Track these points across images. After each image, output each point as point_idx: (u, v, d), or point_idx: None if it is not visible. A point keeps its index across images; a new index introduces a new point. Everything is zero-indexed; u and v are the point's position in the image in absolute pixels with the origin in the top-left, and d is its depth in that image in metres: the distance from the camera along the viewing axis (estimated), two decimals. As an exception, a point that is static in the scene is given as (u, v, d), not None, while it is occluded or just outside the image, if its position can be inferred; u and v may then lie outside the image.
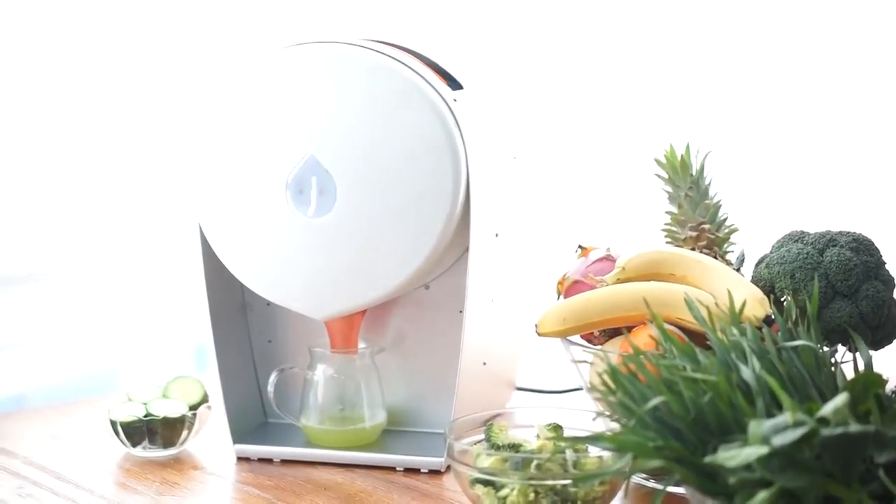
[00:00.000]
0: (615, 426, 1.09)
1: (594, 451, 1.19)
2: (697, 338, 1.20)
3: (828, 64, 2.44)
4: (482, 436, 1.24)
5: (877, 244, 1.32)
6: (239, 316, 1.46)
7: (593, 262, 1.38)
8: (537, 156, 1.52)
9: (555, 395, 1.62)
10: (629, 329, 1.28)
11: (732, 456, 0.92)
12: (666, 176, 1.42)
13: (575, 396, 1.60)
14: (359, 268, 1.31)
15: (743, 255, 1.40)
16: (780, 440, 0.91)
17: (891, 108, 2.41)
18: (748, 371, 1.03)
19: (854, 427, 0.91)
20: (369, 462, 1.37)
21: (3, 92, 2.41)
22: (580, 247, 1.43)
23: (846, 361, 1.15)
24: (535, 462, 1.15)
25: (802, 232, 1.33)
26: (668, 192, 1.42)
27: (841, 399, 0.94)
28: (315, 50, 1.31)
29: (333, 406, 1.40)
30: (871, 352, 1.20)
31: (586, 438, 1.04)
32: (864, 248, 1.30)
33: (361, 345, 1.41)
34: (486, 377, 1.44)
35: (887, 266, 1.32)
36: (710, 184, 1.41)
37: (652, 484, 1.28)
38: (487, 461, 1.17)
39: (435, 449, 1.37)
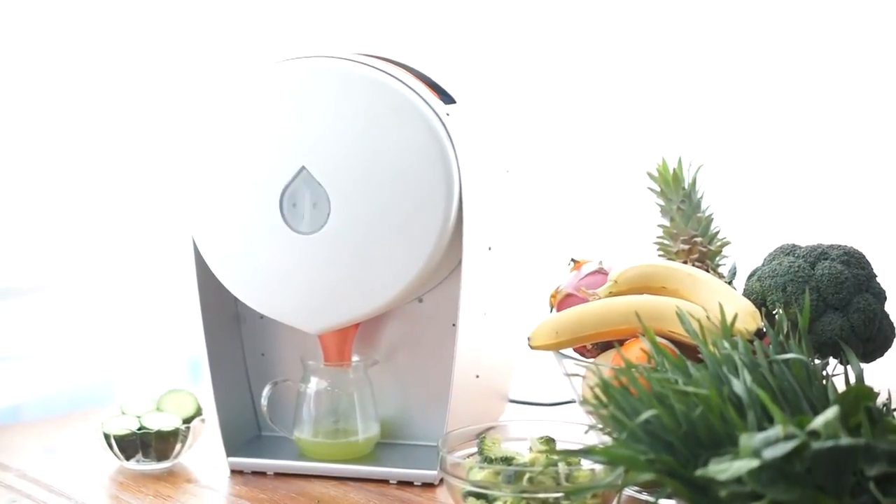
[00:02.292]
0: (607, 439, 1.10)
1: (586, 464, 1.20)
2: (689, 351, 1.21)
3: (818, 78, 2.45)
4: (475, 449, 1.25)
5: (868, 257, 1.33)
6: (232, 329, 1.46)
7: (586, 276, 1.39)
8: (530, 169, 1.52)
9: (547, 408, 1.62)
10: (621, 342, 1.28)
11: (723, 469, 0.93)
12: (658, 189, 1.42)
13: (567, 409, 1.60)
14: (352, 281, 1.32)
15: (734, 268, 1.41)
16: (770, 453, 0.91)
17: (882, 121, 2.42)
18: (739, 384, 1.04)
19: (845, 440, 0.91)
20: (363, 475, 1.37)
21: (1, 105, 2.41)
22: (573, 260, 1.44)
23: (837, 374, 1.15)
24: (527, 475, 1.15)
25: (794, 245, 1.34)
26: (660, 206, 1.42)
27: (832, 412, 0.94)
28: (308, 64, 1.32)
29: (327, 419, 1.40)
30: (862, 365, 1.21)
31: (579, 451, 1.04)
32: (855, 262, 1.30)
33: (355, 358, 1.42)
34: (479, 390, 1.44)
35: (878, 279, 1.32)
36: (702, 197, 1.42)
37: (644, 497, 1.28)
38: (480, 474, 1.17)
39: (428, 462, 1.37)
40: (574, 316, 1.31)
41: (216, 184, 1.34)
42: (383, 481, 1.37)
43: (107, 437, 1.39)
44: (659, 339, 1.17)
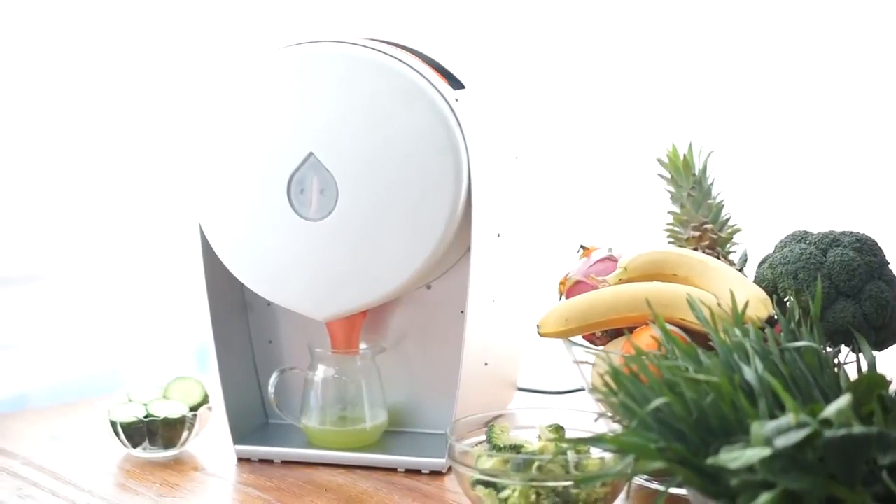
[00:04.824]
0: (617, 427, 1.09)
1: (596, 452, 1.19)
2: (700, 338, 1.20)
3: (830, 63, 2.44)
4: (483, 437, 1.24)
5: (880, 244, 1.32)
6: (239, 316, 1.45)
7: (595, 263, 1.38)
8: (539, 155, 1.51)
9: (557, 396, 1.61)
10: (631, 330, 1.27)
11: (735, 457, 0.92)
12: (668, 176, 1.41)
13: (577, 397, 1.59)
14: (360, 268, 1.31)
15: (745, 255, 1.40)
16: (782, 442, 0.91)
17: (893, 107, 2.41)
18: (751, 372, 1.03)
19: (857, 428, 0.91)
20: (370, 463, 1.37)
21: (3, 92, 2.41)
22: (582, 247, 1.43)
23: (849, 362, 1.14)
24: (536, 463, 1.15)
25: (805, 232, 1.33)
26: (670, 192, 1.42)
27: (844, 400, 0.93)
28: (316, 49, 1.31)
29: (334, 407, 1.39)
30: (875, 352, 1.20)
31: (588, 440, 1.03)
32: (867, 249, 1.30)
33: (362, 345, 1.41)
34: (487, 378, 1.44)
35: (891, 266, 1.31)
36: (712, 183, 1.41)
37: (654, 485, 1.28)
38: (489, 462, 1.17)
39: (436, 450, 1.36)
40: (584, 303, 1.30)
41: (223, 171, 1.34)
42: (391, 469, 1.36)
43: (113, 424, 1.38)
44: (669, 327, 1.16)
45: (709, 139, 1.47)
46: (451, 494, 1.30)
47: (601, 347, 1.32)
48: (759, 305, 1.24)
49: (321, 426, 1.39)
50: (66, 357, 2.53)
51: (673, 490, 1.15)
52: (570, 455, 1.17)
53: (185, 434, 1.40)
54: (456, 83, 1.35)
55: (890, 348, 1.30)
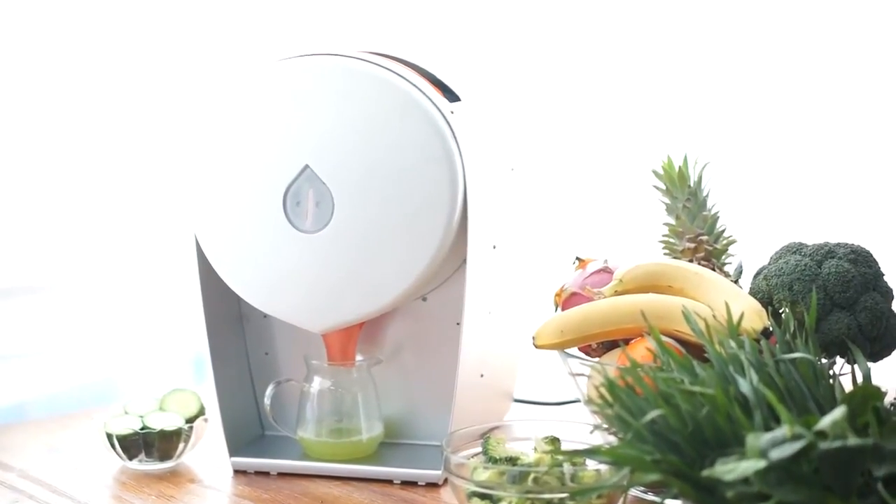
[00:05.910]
0: (613, 439, 1.09)
1: (592, 464, 1.19)
2: (695, 350, 1.20)
3: (825, 75, 2.44)
4: (479, 448, 1.24)
5: (875, 255, 1.32)
6: (235, 328, 1.45)
7: (591, 274, 1.38)
8: (535, 167, 1.52)
9: (552, 408, 1.61)
10: (627, 341, 1.28)
11: (730, 469, 0.92)
12: (664, 187, 1.41)
13: (572, 409, 1.59)
14: (356, 280, 1.31)
15: (741, 266, 1.40)
16: (777, 454, 0.91)
17: (889, 119, 2.41)
18: (746, 384, 1.03)
19: (852, 440, 0.91)
20: (366, 475, 1.37)
21: (2, 105, 2.41)
22: (578, 259, 1.43)
23: (844, 374, 1.14)
24: (532, 475, 1.15)
25: (800, 243, 1.33)
26: (665, 204, 1.42)
27: (839, 412, 0.94)
28: (313, 62, 1.31)
29: (330, 418, 1.39)
30: (870, 364, 1.20)
31: (584, 451, 1.03)
32: (862, 260, 1.30)
33: (358, 357, 1.41)
34: (483, 389, 1.44)
35: (885, 277, 1.31)
36: (707, 195, 1.41)
37: (650, 497, 1.28)
38: (485, 474, 1.17)
39: (432, 462, 1.36)
40: (579, 315, 1.30)
41: (219, 182, 1.34)
42: (387, 481, 1.36)
43: (109, 437, 1.38)
44: (665, 339, 1.16)
45: (704, 151, 1.47)
46: (447, 506, 1.30)
47: (597, 359, 1.32)
48: (754, 317, 1.24)
49: (317, 438, 1.39)
50: (64, 367, 2.53)
51: (669, 502, 1.16)
52: (566, 467, 1.17)
53: (181, 446, 1.40)
54: (452, 96, 1.36)
55: (885, 359, 1.30)
